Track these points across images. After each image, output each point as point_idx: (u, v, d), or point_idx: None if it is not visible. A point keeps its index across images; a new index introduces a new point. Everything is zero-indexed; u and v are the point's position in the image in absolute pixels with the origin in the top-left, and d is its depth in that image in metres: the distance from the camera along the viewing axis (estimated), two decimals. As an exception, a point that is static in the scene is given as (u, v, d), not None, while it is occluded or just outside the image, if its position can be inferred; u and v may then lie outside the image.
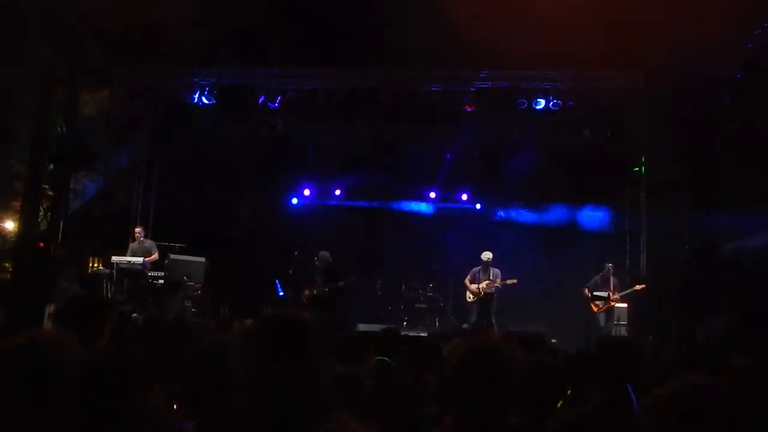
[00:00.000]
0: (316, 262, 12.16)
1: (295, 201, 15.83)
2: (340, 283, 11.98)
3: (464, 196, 15.41)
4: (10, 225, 13.99)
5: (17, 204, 12.84)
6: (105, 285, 11.09)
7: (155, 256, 11.70)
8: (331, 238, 13.78)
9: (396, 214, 15.55)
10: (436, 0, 10.62)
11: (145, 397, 2.27)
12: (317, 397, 2.05)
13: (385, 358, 4.70)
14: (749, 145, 10.37)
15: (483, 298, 11.70)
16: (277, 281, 13.72)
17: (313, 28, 12.32)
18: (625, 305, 11.59)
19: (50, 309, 9.58)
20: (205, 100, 13.83)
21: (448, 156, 15.03)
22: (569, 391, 3.60)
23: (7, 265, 12.55)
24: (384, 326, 5.82)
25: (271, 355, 2.08)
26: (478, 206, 15.32)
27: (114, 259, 11.34)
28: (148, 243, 11.90)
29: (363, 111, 14.45)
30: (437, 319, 12.70)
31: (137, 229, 12.26)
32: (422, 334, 10.24)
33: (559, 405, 3.32)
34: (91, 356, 2.32)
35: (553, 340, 9.76)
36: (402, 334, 8.08)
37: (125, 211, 14.75)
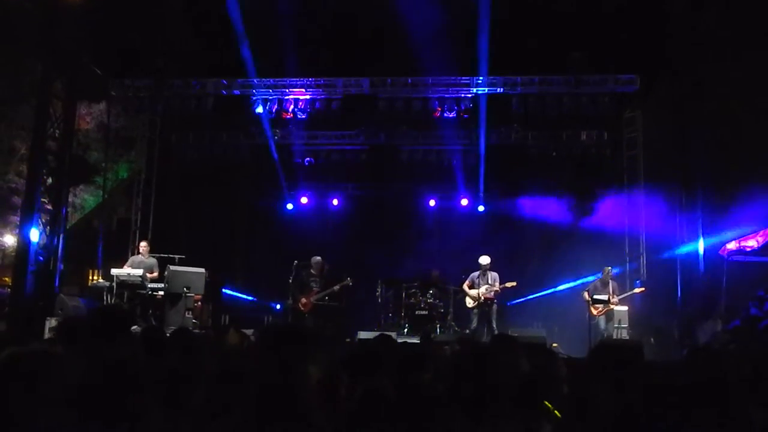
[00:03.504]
0: (312, 270, 12.12)
1: (290, 206, 15.83)
2: (336, 287, 11.94)
3: (464, 201, 15.41)
4: (9, 239, 14.00)
5: (16, 218, 12.85)
6: (105, 297, 11.06)
7: (156, 274, 11.72)
8: (330, 246, 13.74)
9: (395, 220, 15.54)
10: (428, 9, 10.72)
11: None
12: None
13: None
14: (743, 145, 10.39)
15: (483, 304, 11.68)
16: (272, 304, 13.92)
17: (311, 39, 12.42)
18: (625, 308, 11.57)
19: (51, 323, 9.56)
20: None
21: (446, 162, 15.03)
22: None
23: (7, 279, 12.54)
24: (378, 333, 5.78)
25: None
26: (481, 208, 15.34)
27: (113, 271, 11.31)
28: (152, 260, 11.93)
29: (360, 118, 14.55)
30: (438, 326, 12.66)
31: (143, 244, 12.29)
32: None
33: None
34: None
35: (555, 345, 9.79)
36: (402, 341, 8.07)
37: (124, 224, 14.76)
